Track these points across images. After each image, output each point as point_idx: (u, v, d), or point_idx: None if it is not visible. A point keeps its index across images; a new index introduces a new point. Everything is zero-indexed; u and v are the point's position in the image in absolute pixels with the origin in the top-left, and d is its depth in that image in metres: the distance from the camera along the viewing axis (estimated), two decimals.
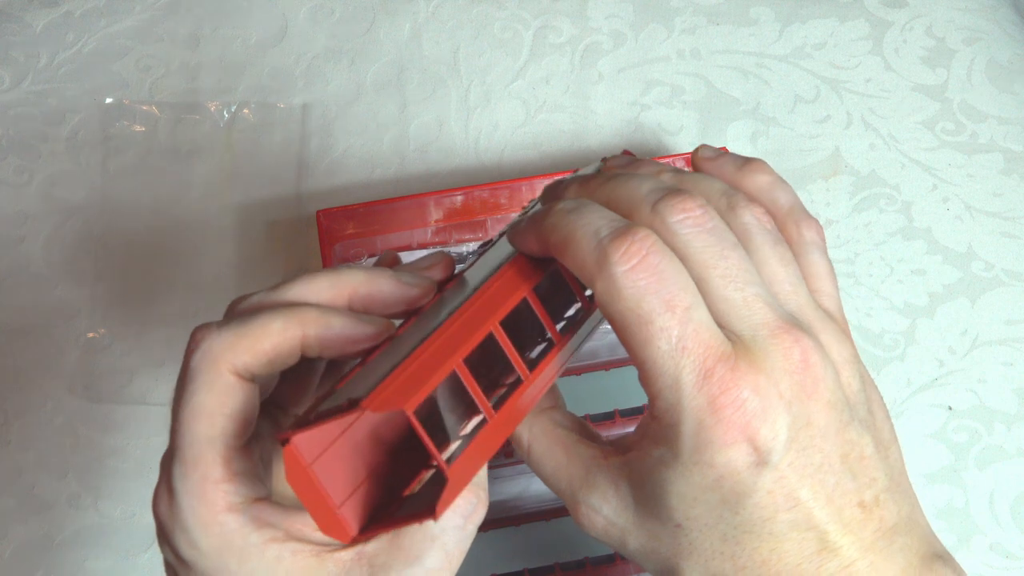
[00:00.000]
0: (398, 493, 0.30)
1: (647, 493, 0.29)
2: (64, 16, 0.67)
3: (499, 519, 0.53)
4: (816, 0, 0.69)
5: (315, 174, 0.63)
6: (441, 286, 0.33)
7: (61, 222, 0.61)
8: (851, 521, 0.28)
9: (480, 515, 0.30)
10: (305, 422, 0.27)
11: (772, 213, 0.32)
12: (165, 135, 0.64)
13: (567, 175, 0.36)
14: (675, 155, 0.60)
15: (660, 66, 0.67)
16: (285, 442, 0.27)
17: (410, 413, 0.26)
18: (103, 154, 0.63)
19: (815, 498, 0.27)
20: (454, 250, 0.59)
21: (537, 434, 0.32)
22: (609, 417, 0.52)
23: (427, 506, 0.27)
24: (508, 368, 0.30)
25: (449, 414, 0.30)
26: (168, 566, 0.31)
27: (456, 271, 0.34)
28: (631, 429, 0.31)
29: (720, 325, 0.28)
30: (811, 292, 0.31)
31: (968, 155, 0.64)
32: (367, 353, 0.30)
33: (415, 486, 0.30)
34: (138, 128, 0.64)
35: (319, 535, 0.30)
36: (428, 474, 0.30)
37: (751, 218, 0.30)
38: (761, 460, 0.27)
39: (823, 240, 0.33)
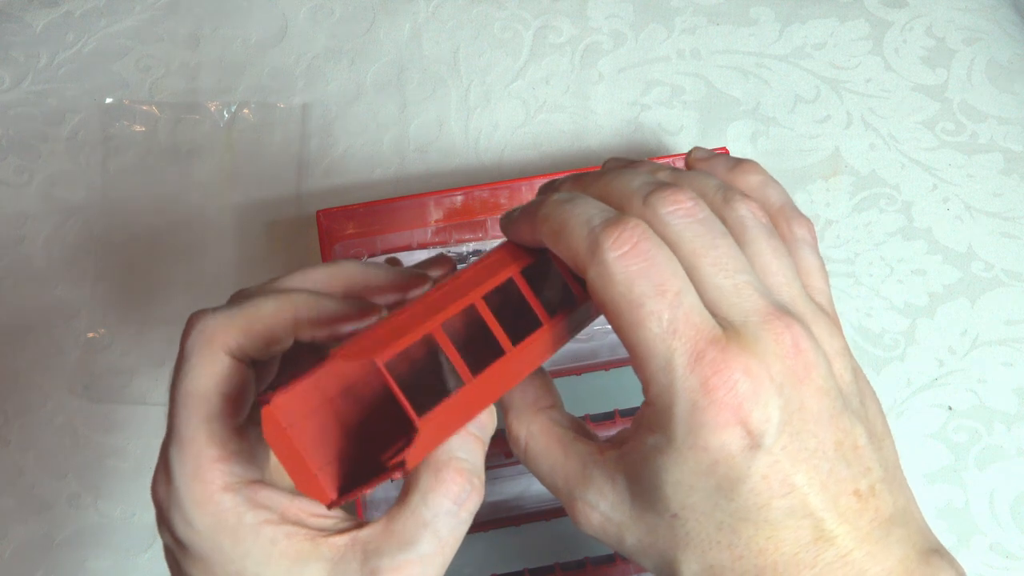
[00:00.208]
0: (381, 462, 0.30)
1: (643, 485, 0.29)
2: (64, 16, 0.67)
3: (499, 519, 0.53)
4: (816, 0, 0.69)
5: (315, 174, 0.63)
6: (437, 281, 0.33)
7: (61, 222, 0.61)
8: (847, 510, 0.28)
9: (474, 502, 0.30)
10: (282, 384, 0.28)
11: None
12: (165, 135, 0.64)
13: (566, 175, 0.37)
14: (675, 155, 0.60)
15: (660, 66, 0.67)
16: (265, 403, 0.27)
17: (380, 364, 0.26)
18: (103, 154, 0.63)
19: (810, 484, 0.27)
20: (454, 250, 0.59)
21: (535, 432, 0.32)
22: (609, 417, 0.52)
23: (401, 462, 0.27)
24: (495, 348, 0.30)
25: (431, 395, 0.30)
26: (168, 551, 0.31)
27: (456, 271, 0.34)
28: None
29: (711, 312, 0.28)
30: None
31: (968, 155, 0.64)
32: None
33: (395, 453, 0.30)
34: (138, 128, 0.64)
35: (315, 520, 0.30)
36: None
37: (746, 212, 0.30)
38: (754, 443, 0.27)
39: (814, 238, 0.33)
